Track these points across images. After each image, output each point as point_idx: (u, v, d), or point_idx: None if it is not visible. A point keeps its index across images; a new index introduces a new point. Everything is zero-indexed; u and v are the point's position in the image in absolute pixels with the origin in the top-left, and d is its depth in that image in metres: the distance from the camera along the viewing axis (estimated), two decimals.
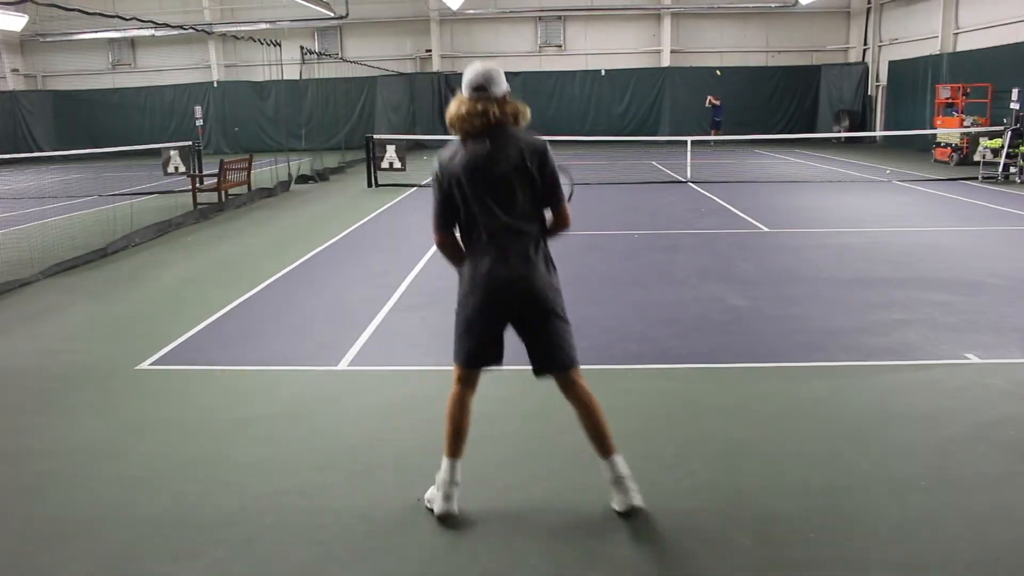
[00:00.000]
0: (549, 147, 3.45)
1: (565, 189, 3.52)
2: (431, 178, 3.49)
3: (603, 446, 3.57)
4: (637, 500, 3.53)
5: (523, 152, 3.36)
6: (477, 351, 3.53)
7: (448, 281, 8.14)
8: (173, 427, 4.68)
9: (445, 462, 3.59)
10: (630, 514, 3.52)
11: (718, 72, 26.60)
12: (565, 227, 3.57)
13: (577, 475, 3.98)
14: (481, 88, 3.39)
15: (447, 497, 3.56)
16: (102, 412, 4.96)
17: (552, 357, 3.53)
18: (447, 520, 3.54)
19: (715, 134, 25.55)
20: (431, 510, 3.61)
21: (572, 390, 3.60)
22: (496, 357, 3.58)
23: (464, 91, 3.43)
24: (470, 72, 3.44)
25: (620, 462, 3.56)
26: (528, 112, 3.46)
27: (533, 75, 29.30)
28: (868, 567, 3.17)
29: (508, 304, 3.45)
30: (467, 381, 3.62)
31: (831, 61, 28.80)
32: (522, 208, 3.41)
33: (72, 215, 13.68)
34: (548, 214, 3.53)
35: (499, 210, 3.37)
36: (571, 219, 3.56)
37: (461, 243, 3.50)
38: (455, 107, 3.41)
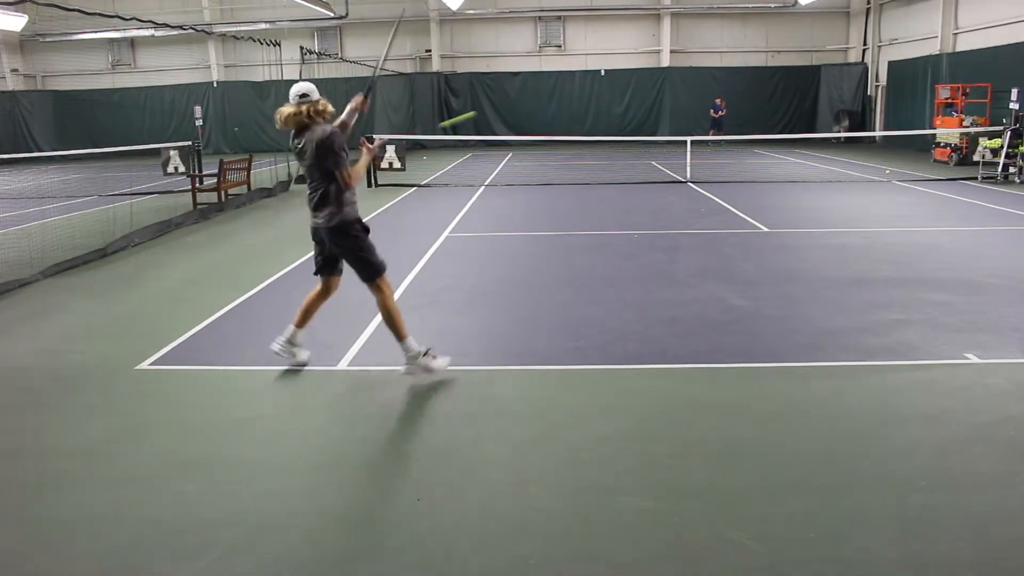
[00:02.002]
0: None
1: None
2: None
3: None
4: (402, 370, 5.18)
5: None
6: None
7: (447, 281, 8.16)
8: (173, 427, 4.68)
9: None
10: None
11: (717, 113, 26.65)
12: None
13: (577, 475, 3.98)
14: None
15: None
16: (102, 412, 4.96)
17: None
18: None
19: (713, 134, 25.53)
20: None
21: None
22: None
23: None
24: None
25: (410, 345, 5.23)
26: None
27: (533, 75, 29.32)
28: (868, 567, 3.17)
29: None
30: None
31: (831, 61, 28.81)
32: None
33: (72, 215, 13.68)
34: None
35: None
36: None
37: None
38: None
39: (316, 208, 5.23)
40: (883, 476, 3.89)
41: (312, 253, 5.57)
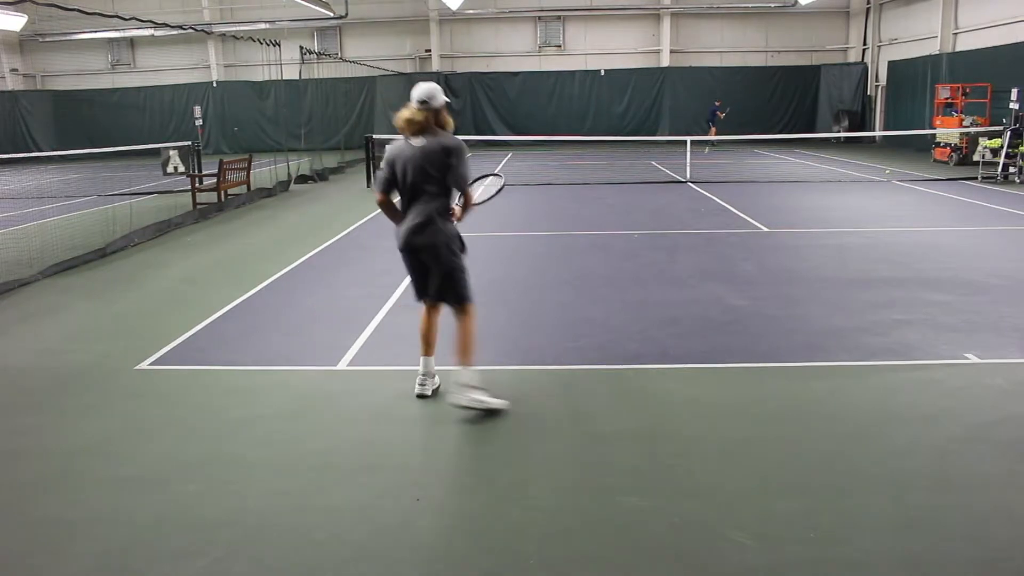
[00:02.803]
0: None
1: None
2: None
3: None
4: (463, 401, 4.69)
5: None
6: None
7: None
8: (173, 427, 4.68)
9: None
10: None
11: (721, 108, 26.55)
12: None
13: (576, 475, 3.98)
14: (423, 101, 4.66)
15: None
16: (102, 412, 4.96)
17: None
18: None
19: (714, 133, 25.52)
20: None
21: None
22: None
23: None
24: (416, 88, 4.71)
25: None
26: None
27: (533, 75, 29.32)
28: (868, 567, 3.17)
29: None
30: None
31: (830, 61, 28.82)
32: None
33: (71, 215, 13.68)
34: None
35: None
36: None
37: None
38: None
39: (423, 222, 4.69)
40: (883, 476, 3.89)
41: (407, 279, 5.10)
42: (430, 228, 4.67)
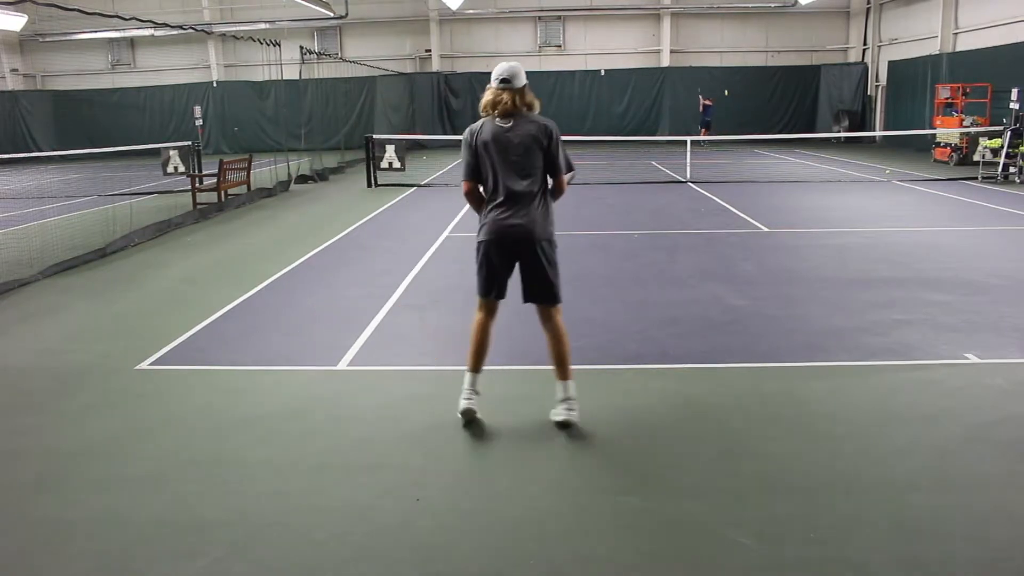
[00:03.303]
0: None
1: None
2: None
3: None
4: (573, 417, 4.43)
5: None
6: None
7: (447, 281, 8.16)
8: (173, 427, 4.68)
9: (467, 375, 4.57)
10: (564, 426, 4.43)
11: (726, 92, 26.55)
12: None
13: (576, 475, 3.98)
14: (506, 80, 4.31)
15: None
16: (102, 412, 4.96)
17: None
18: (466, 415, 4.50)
19: (704, 134, 25.52)
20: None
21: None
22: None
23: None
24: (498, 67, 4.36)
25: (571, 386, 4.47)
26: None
27: (533, 75, 28.81)
28: (868, 567, 3.17)
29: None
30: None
31: (831, 61, 28.81)
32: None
33: (71, 215, 13.68)
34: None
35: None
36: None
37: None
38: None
39: (522, 212, 4.33)
40: (883, 476, 3.89)
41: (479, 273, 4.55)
42: (529, 218, 4.34)
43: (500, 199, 4.34)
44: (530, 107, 4.35)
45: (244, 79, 29.54)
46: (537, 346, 6.03)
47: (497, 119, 4.30)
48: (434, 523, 3.56)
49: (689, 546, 3.35)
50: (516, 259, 4.43)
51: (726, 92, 26.41)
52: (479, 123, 4.39)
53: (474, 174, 4.40)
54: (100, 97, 29.13)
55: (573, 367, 5.52)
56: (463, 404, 4.52)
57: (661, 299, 7.28)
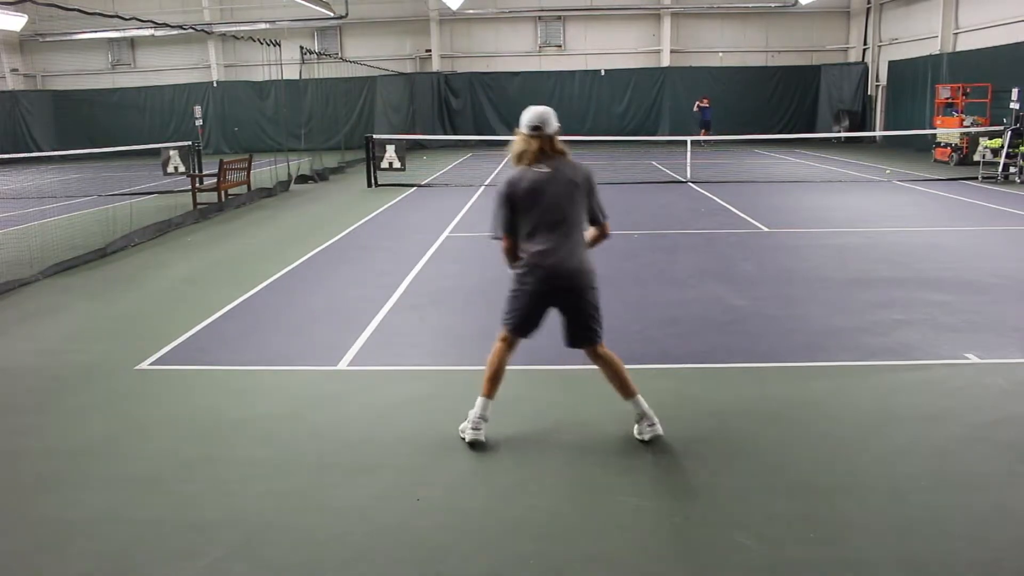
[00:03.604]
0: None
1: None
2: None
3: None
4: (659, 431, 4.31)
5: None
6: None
7: (447, 281, 8.16)
8: (173, 427, 4.68)
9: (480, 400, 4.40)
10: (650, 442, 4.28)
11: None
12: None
13: (577, 475, 3.98)
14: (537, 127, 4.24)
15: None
16: (102, 412, 4.96)
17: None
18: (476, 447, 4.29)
19: (704, 134, 25.52)
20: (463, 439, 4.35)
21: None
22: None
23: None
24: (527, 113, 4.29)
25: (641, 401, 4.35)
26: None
27: (533, 75, 29.30)
28: (868, 567, 3.17)
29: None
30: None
31: (831, 61, 28.81)
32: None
33: (71, 215, 13.68)
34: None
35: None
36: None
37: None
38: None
39: (568, 253, 4.22)
40: (883, 476, 3.89)
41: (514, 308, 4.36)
42: (576, 266, 4.24)
43: (546, 244, 4.18)
44: (562, 153, 4.30)
45: (244, 79, 29.55)
46: (537, 346, 6.04)
47: (533, 166, 4.21)
48: (434, 523, 3.56)
49: (689, 546, 3.35)
50: (556, 302, 4.29)
51: (704, 104, 26.43)
52: (515, 174, 4.24)
53: (511, 228, 4.25)
54: (100, 97, 29.15)
55: (573, 367, 5.54)
56: (472, 435, 4.32)
57: (661, 299, 7.28)
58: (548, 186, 4.18)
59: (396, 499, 3.77)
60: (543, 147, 4.22)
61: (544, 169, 4.20)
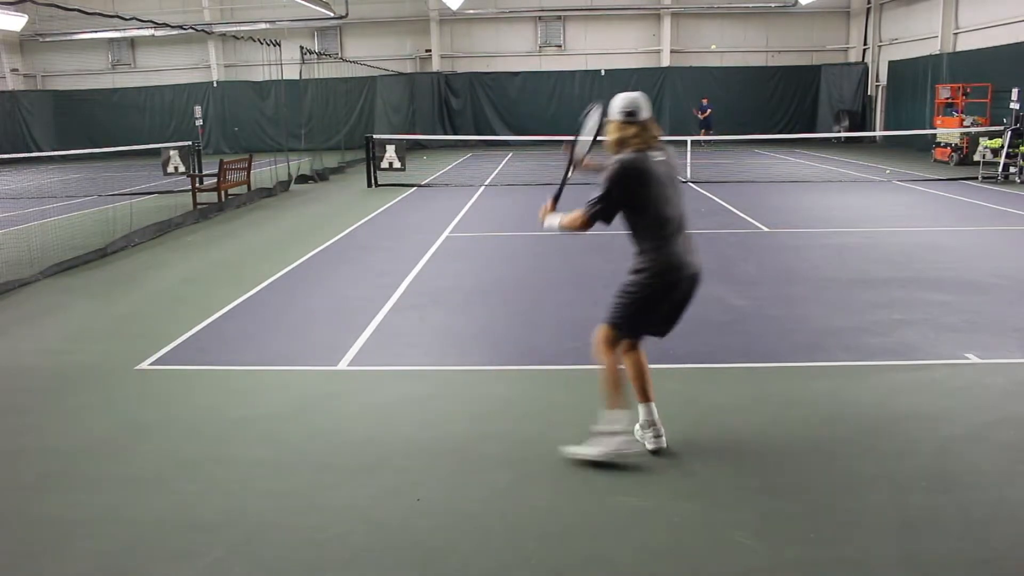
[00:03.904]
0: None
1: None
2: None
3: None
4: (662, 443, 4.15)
5: None
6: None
7: (447, 281, 8.16)
8: (173, 427, 4.68)
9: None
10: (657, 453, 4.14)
11: (713, 47, 26.54)
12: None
13: (577, 475, 3.98)
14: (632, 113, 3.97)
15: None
16: (102, 412, 4.96)
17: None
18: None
19: (705, 134, 25.52)
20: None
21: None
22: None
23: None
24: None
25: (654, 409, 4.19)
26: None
27: (533, 75, 29.30)
28: (868, 567, 3.17)
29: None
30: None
31: (831, 61, 28.80)
32: None
33: (72, 215, 13.68)
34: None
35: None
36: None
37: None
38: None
39: (689, 250, 4.11)
40: (883, 476, 3.89)
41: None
42: (697, 258, 4.14)
43: (670, 235, 3.96)
44: (659, 142, 4.06)
45: (244, 79, 29.54)
46: (537, 346, 6.04)
47: (646, 153, 3.95)
48: (434, 523, 3.56)
49: (689, 546, 3.35)
50: (677, 297, 4.04)
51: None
52: (631, 159, 3.92)
53: (608, 216, 3.95)
54: (100, 97, 29.15)
55: (573, 367, 5.54)
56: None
57: None
58: (670, 174, 3.98)
59: (396, 499, 3.77)
60: (638, 135, 3.95)
61: (662, 156, 3.96)
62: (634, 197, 3.89)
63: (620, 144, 3.94)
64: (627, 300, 3.97)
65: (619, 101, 4.00)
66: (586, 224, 3.98)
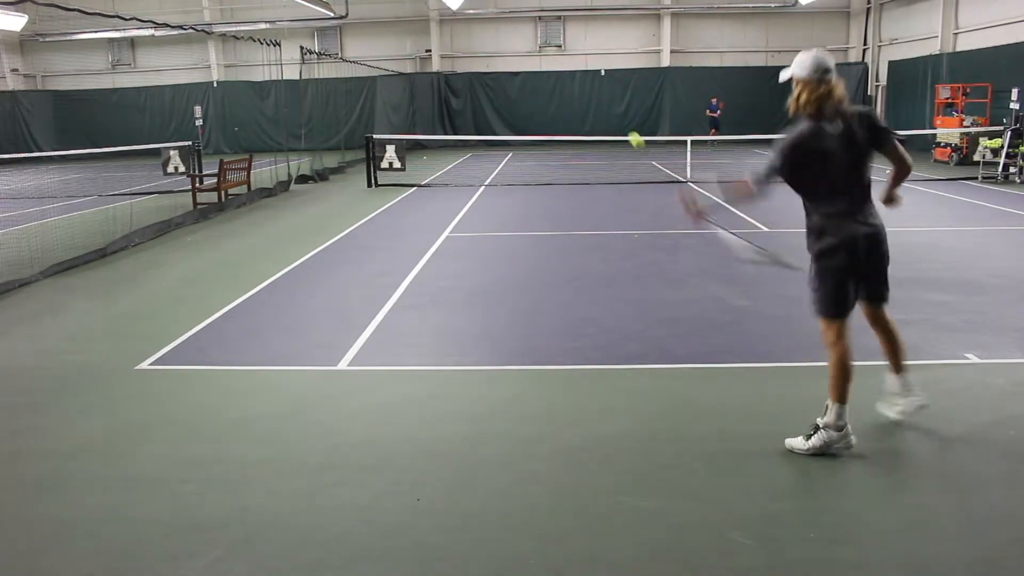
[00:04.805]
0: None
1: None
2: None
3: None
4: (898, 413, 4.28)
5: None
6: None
7: (447, 281, 8.16)
8: (173, 427, 4.68)
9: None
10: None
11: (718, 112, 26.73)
12: None
13: (577, 475, 3.98)
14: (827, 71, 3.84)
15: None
16: (102, 412, 4.96)
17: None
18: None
19: (714, 133, 25.54)
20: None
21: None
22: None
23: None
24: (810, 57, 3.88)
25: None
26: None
27: (533, 75, 29.30)
28: (868, 567, 3.17)
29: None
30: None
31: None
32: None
33: (72, 215, 13.68)
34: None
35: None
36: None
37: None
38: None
39: (865, 212, 4.04)
40: (883, 476, 3.89)
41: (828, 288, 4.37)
42: (873, 217, 4.06)
43: (828, 205, 4.07)
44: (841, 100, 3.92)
45: (244, 79, 29.54)
46: (537, 346, 6.04)
47: (824, 122, 3.88)
48: (434, 523, 3.56)
49: (689, 546, 3.35)
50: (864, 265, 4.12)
51: (713, 100, 26.44)
52: (804, 131, 3.92)
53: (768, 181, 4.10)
54: (100, 97, 29.14)
55: (572, 367, 5.54)
56: (849, 441, 4.07)
57: (661, 299, 7.28)
58: (845, 149, 3.90)
59: (396, 499, 3.77)
60: (831, 94, 3.86)
61: (838, 128, 3.89)
62: (788, 170, 4.13)
63: (811, 108, 3.89)
64: (820, 276, 4.26)
65: (808, 59, 3.88)
66: (753, 188, 4.31)
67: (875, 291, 4.24)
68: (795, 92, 3.91)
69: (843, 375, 4.12)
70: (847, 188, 3.95)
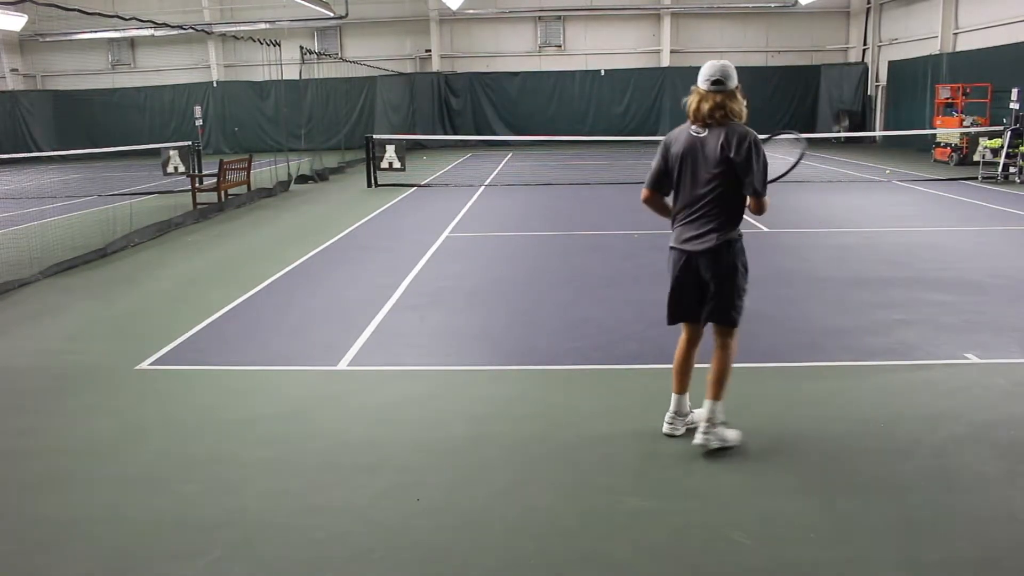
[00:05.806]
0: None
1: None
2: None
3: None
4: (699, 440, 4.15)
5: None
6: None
7: (447, 281, 8.16)
8: (173, 427, 4.68)
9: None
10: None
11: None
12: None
13: (576, 475, 3.98)
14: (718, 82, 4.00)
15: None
16: (102, 412, 4.96)
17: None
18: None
19: None
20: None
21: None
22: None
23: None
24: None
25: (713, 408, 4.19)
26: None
27: (533, 75, 29.30)
28: (868, 567, 3.17)
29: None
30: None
31: (831, 61, 28.80)
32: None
33: (72, 215, 13.68)
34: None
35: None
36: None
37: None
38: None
39: (699, 228, 4.18)
40: (883, 476, 3.89)
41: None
42: (711, 234, 4.13)
43: (683, 212, 4.32)
44: (737, 116, 4.15)
45: (244, 79, 29.54)
46: (537, 346, 6.04)
47: (694, 125, 4.07)
48: (434, 523, 3.56)
49: (689, 546, 3.35)
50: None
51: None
52: (677, 129, 4.13)
53: (658, 183, 4.46)
54: (100, 97, 29.13)
55: (572, 367, 5.54)
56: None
57: (661, 299, 7.24)
58: (698, 150, 4.07)
59: (396, 499, 3.77)
60: (721, 104, 4.06)
61: (702, 132, 4.08)
62: (664, 166, 4.32)
63: (693, 115, 4.12)
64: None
65: (708, 69, 4.14)
66: (644, 192, 4.53)
67: (712, 309, 4.28)
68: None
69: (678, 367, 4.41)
70: (690, 195, 4.17)
